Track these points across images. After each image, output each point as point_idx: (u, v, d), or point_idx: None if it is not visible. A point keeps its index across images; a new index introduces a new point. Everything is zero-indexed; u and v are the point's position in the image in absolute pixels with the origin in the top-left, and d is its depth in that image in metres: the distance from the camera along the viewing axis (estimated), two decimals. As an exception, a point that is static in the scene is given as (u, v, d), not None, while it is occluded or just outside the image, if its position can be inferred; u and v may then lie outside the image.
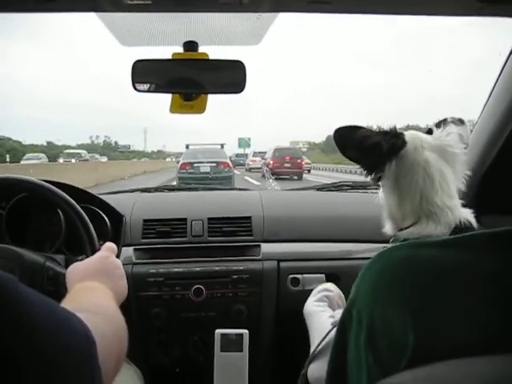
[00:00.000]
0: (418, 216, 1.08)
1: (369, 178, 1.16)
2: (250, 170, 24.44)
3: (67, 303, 0.76)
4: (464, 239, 0.83)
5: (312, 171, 27.18)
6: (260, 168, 20.52)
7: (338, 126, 1.17)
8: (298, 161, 21.00)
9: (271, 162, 19.79)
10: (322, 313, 1.34)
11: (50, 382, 0.52)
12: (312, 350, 1.26)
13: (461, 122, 1.19)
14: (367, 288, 0.87)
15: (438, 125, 1.17)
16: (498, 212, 1.52)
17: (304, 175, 21.24)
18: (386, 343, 0.76)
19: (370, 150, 1.11)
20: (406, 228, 1.11)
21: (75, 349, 0.56)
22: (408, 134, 1.13)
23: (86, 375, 0.57)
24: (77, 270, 1.01)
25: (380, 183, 1.17)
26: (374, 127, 1.15)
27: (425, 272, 0.79)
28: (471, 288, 0.74)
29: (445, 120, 1.19)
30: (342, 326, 0.92)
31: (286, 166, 19.44)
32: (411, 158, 1.10)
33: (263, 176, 16.83)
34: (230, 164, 14.87)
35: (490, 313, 0.71)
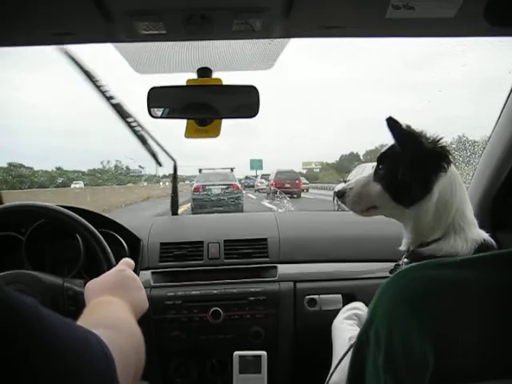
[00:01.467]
0: (446, 231, 1.06)
1: (412, 186, 1.10)
2: (257, 190, 26.37)
3: (83, 320, 0.77)
4: (481, 258, 0.83)
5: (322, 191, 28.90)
6: (266, 188, 23.58)
7: (389, 115, 1.10)
8: (297, 181, 23.93)
9: (274, 183, 22.20)
10: (348, 331, 1.33)
11: None
12: (332, 367, 1.25)
13: None
14: (385, 309, 0.87)
15: None
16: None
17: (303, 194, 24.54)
18: (406, 365, 0.76)
19: (437, 156, 1.07)
20: (428, 243, 1.10)
21: (94, 368, 0.57)
22: None
23: None
24: (94, 285, 1.02)
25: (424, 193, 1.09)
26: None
27: (441, 293, 0.79)
28: (486, 307, 0.74)
29: None
30: (359, 346, 0.91)
31: (286, 187, 21.47)
32: (452, 172, 1.09)
33: (268, 194, 19.60)
34: (239, 186, 16.10)
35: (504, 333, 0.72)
